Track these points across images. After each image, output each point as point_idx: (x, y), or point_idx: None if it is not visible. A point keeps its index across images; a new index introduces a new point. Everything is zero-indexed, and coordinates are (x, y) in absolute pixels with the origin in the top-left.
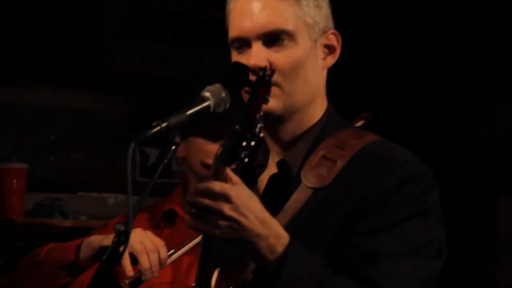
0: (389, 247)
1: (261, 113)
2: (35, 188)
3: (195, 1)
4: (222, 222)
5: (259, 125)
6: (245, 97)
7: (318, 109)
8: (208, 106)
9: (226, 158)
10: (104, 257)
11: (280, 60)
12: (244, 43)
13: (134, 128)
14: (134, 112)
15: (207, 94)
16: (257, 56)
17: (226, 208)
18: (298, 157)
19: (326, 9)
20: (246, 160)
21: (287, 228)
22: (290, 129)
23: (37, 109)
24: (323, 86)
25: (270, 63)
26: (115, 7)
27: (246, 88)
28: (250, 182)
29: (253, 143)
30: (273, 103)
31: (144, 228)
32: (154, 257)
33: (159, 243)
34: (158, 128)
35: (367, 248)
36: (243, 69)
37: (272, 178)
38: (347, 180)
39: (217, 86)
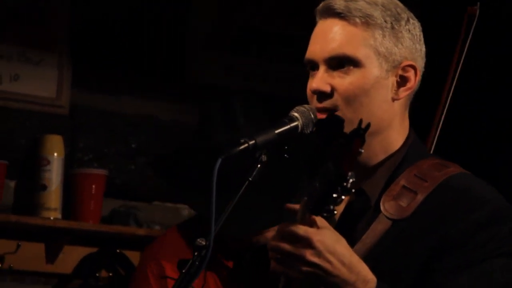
0: (470, 287)
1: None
2: (113, 195)
3: (280, 17)
4: (305, 268)
5: (351, 180)
6: (336, 149)
7: (395, 138)
8: (296, 126)
9: (315, 207)
10: (183, 270)
11: (343, 86)
12: (314, 66)
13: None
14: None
15: (296, 114)
16: (320, 80)
17: (308, 254)
18: (378, 186)
19: (409, 41)
20: (335, 212)
21: (365, 259)
22: (361, 158)
23: (121, 116)
24: (395, 117)
25: (332, 88)
26: (201, 21)
27: (340, 141)
28: None
29: (343, 197)
30: None
31: None
32: None
33: None
34: (246, 145)
35: (448, 287)
36: (339, 121)
37: (349, 206)
38: (428, 213)
39: (306, 106)
